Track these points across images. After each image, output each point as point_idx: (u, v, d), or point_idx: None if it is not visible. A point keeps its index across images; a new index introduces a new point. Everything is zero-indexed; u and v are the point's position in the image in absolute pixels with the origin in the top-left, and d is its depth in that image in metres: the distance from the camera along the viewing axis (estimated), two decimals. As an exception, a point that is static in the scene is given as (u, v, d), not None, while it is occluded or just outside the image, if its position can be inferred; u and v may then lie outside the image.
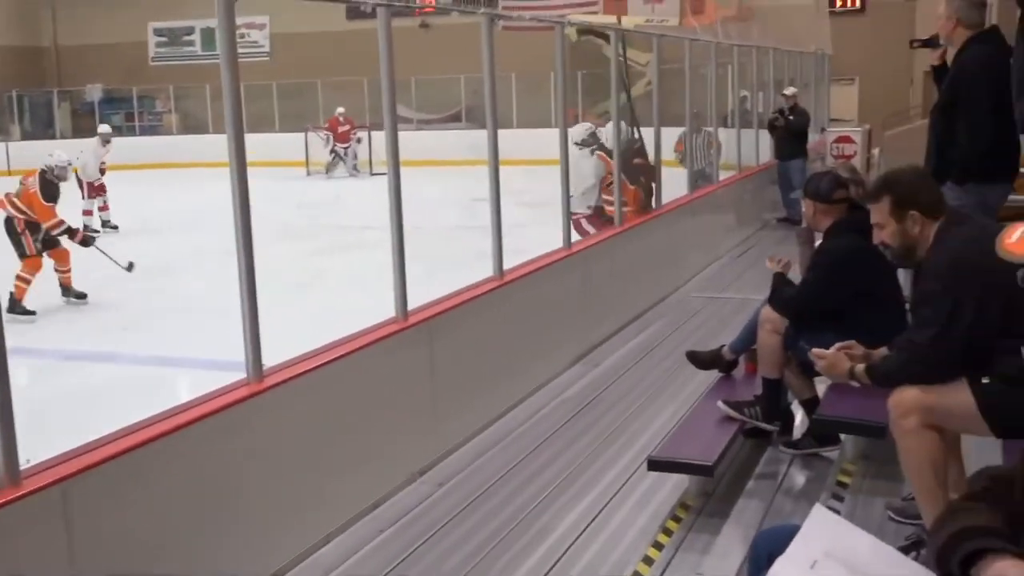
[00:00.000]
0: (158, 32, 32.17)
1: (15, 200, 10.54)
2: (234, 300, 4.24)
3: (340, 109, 24.29)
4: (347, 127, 24.11)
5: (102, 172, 16.17)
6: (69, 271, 10.76)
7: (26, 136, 29.81)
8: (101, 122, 30.45)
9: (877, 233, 3.74)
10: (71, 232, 10.63)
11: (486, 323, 6.01)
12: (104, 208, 16.14)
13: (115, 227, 15.98)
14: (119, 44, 30.26)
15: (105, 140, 16.33)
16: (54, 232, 10.49)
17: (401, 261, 5.19)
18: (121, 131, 30.62)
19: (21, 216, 10.45)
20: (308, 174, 24.18)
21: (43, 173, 10.69)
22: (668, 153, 10.40)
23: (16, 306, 10.04)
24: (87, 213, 15.71)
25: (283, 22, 26.46)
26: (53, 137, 30.57)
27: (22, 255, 10.45)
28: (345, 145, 24.13)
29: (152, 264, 12.60)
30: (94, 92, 31.10)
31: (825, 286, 4.74)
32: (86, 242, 10.82)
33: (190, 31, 31.77)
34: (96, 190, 15.93)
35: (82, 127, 31.10)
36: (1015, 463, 2.14)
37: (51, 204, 10.53)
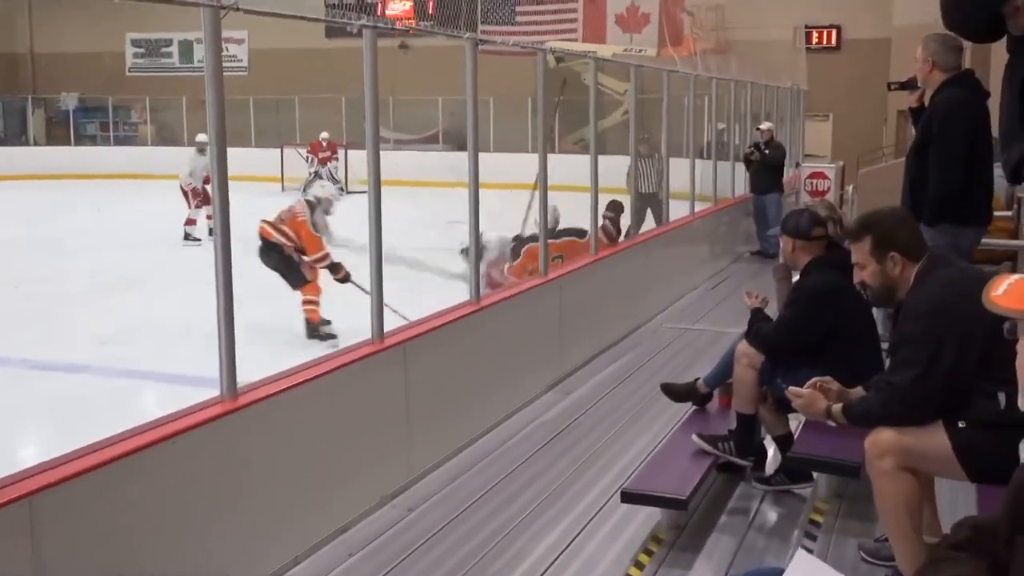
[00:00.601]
0: (135, 43, 32.16)
1: (282, 227, 9.67)
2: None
3: (324, 134, 24.30)
4: (328, 152, 24.16)
5: (206, 181, 15.76)
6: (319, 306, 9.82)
7: (-2, 142, 29.57)
8: (75, 130, 30.54)
9: (857, 272, 3.75)
10: (334, 267, 9.52)
11: (461, 348, 5.98)
12: (209, 218, 16.11)
13: (198, 240, 15.68)
14: (96, 53, 30.11)
15: (201, 149, 16.28)
16: (319, 265, 9.55)
17: (379, 283, 5.16)
18: (95, 141, 30.53)
19: (289, 243, 9.58)
20: (283, 190, 24.10)
21: (310, 204, 9.83)
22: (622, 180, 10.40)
23: (316, 329, 9.51)
24: (190, 222, 15.86)
25: (262, 37, 26.48)
26: (26, 144, 30.40)
27: (299, 283, 9.64)
28: (324, 168, 24.19)
29: (125, 276, 12.52)
30: (69, 100, 30.90)
31: (802, 322, 4.74)
32: (345, 279, 9.42)
33: (168, 43, 31.79)
34: (201, 199, 15.71)
35: (56, 135, 30.94)
36: (997, 513, 2.13)
37: (319, 235, 9.65)
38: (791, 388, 3.85)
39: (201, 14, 4.07)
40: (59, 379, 8.30)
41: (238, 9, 4.24)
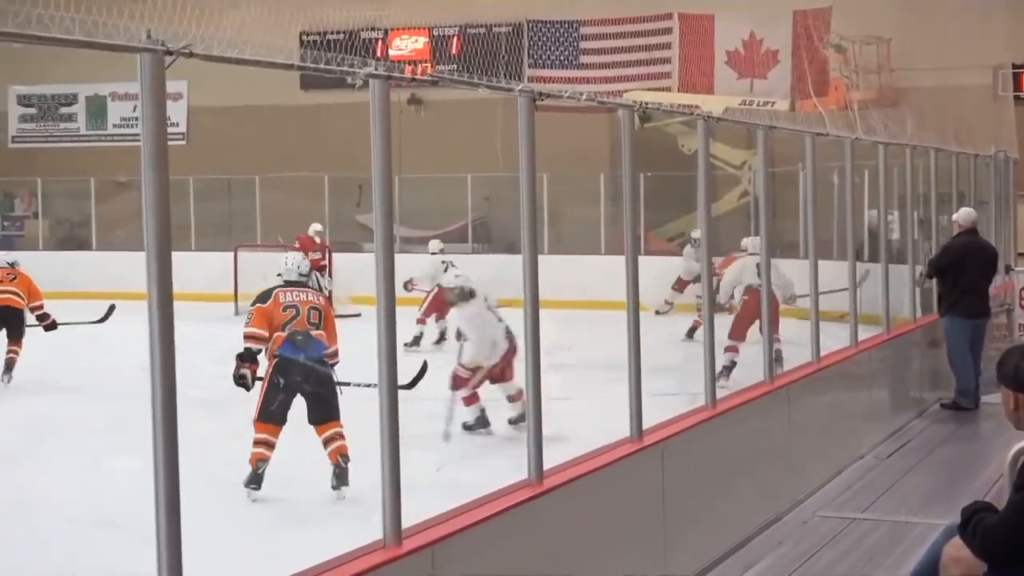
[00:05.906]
0: (23, 100, 32.65)
1: None
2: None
3: (315, 227, 24.61)
4: (320, 255, 24.50)
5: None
6: None
7: None
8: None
9: None
10: None
11: (516, 548, 6.00)
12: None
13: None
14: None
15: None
16: None
17: (395, 465, 5.14)
18: (-37, 242, 30.99)
19: None
20: (237, 313, 23.89)
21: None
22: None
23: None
24: (421, 321, 19.04)
25: (205, 92, 26.50)
26: None
27: None
28: (317, 273, 24.53)
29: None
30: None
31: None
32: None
33: (70, 99, 32.21)
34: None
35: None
36: None
37: None
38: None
39: (139, 61, 4.11)
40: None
41: (191, 55, 4.26)
